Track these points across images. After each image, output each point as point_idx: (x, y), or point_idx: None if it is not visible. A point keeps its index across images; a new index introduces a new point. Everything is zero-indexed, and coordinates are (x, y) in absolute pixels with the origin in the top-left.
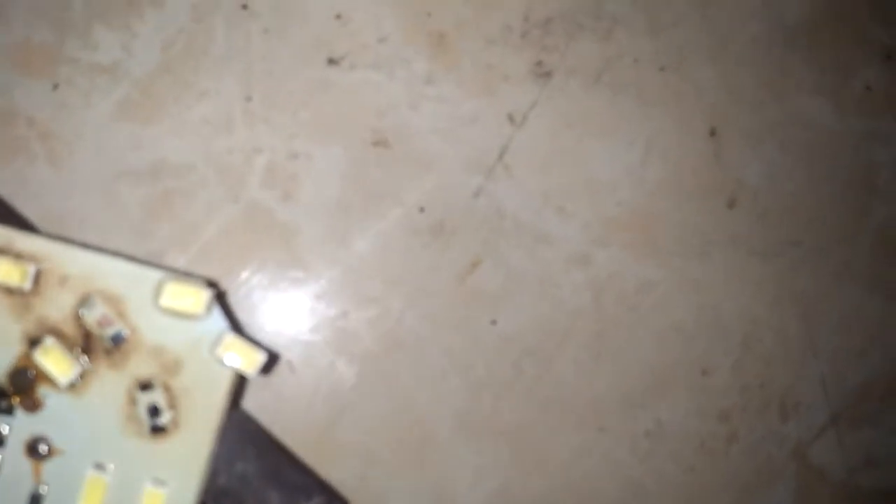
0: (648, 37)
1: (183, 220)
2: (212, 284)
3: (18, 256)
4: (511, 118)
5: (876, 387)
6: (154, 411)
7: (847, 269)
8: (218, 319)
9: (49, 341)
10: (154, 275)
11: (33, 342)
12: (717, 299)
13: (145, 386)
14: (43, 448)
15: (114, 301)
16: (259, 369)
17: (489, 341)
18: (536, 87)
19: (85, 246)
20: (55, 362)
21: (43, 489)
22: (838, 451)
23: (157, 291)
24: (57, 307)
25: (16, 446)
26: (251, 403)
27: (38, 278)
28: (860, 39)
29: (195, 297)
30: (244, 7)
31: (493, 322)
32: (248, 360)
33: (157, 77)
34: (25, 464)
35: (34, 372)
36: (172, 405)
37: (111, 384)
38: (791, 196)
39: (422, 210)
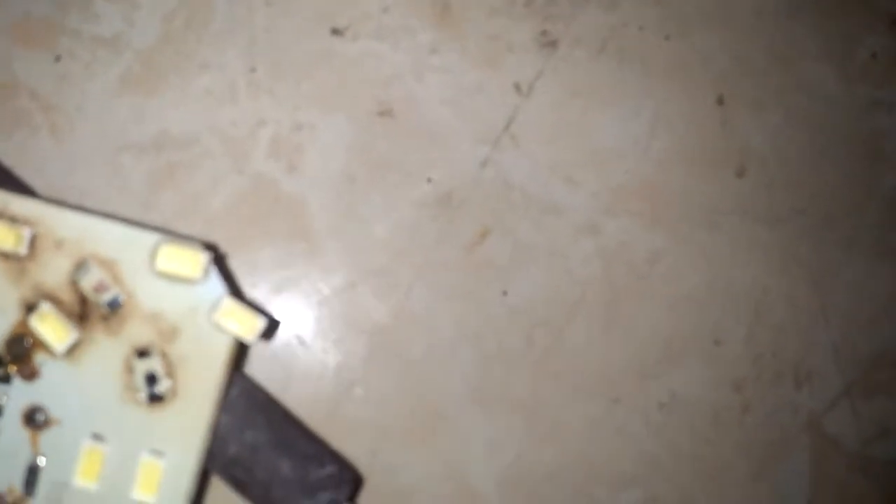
0: (653, 5)
1: (187, 193)
2: (210, 247)
3: (13, 220)
4: (517, 88)
5: (888, 355)
6: (151, 379)
7: (856, 237)
8: (216, 284)
9: (45, 307)
10: (150, 237)
11: (29, 308)
12: (728, 268)
13: (142, 353)
14: (40, 417)
15: (109, 265)
16: (258, 335)
17: (500, 312)
18: (542, 56)
19: (81, 209)
20: (51, 329)
21: (41, 460)
22: (852, 420)
23: (153, 255)
24: (53, 272)
25: (13, 416)
26: (260, 377)
27: (33, 242)
28: (866, 6)
29: (192, 261)
30: None
31: (504, 293)
32: (247, 326)
33: (159, 49)
34: (23, 433)
35: (31, 340)
36: (170, 373)
37: (108, 351)
38: (798, 164)
39: (429, 181)
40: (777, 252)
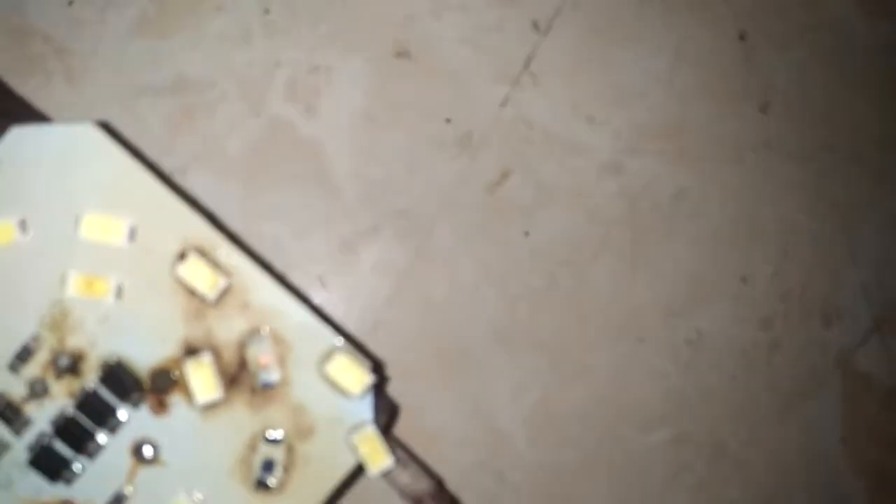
0: None
1: (205, 136)
2: (377, 368)
3: (216, 265)
4: (535, 26)
5: None
6: (269, 466)
7: (883, 173)
8: (366, 408)
9: (206, 357)
10: (332, 339)
11: (190, 351)
12: (754, 205)
13: (272, 439)
14: (148, 453)
15: (281, 345)
16: (382, 472)
17: (523, 253)
18: None
19: (281, 281)
20: (202, 379)
21: (129, 490)
22: (884, 357)
23: (327, 356)
24: (227, 328)
25: (125, 440)
26: None
27: (224, 293)
28: None
29: (357, 377)
30: None
31: (526, 234)
32: (376, 459)
33: None
34: (126, 460)
35: (177, 377)
36: (288, 468)
37: (242, 423)
38: (823, 100)
39: (448, 121)
40: (804, 189)
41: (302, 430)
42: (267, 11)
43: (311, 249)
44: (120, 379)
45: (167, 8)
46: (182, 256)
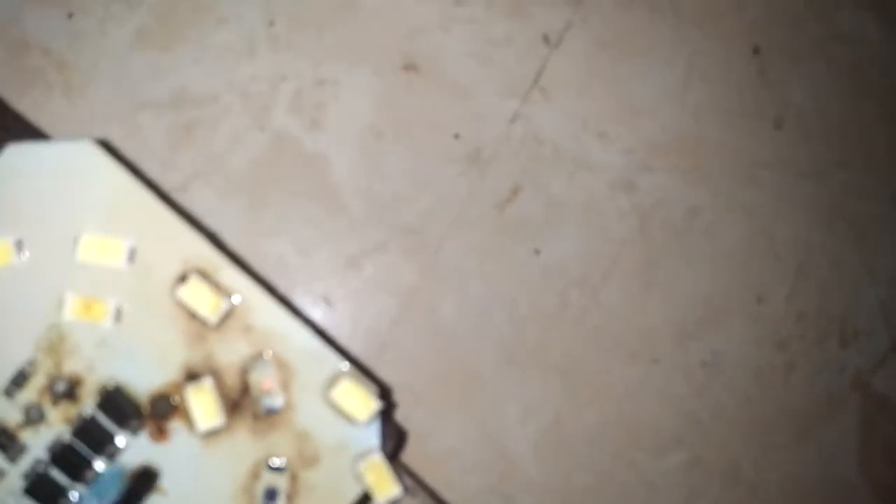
0: None
1: (207, 151)
2: (384, 393)
3: (218, 287)
4: (546, 39)
5: None
6: (271, 495)
7: None
8: (373, 435)
9: (207, 382)
10: (338, 363)
11: (191, 376)
12: (769, 224)
13: (275, 467)
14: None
15: (285, 370)
16: (388, 503)
17: (533, 272)
18: (570, 6)
19: (285, 302)
20: (203, 405)
21: None
22: None
23: (332, 381)
24: (229, 352)
25: (123, 466)
26: None
27: (225, 316)
28: None
29: (364, 404)
30: None
31: (536, 252)
32: (383, 488)
33: (175, 3)
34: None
35: (177, 402)
36: (291, 497)
37: (244, 449)
38: (839, 115)
39: (456, 137)
40: (819, 207)
41: (306, 458)
42: (272, 24)
43: (317, 267)
44: (118, 405)
45: (169, 20)
46: (183, 278)
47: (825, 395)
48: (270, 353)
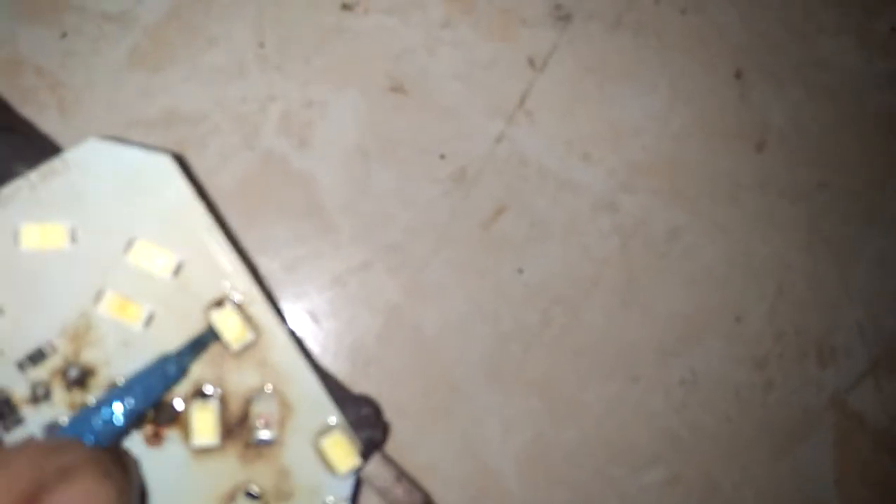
0: None
1: (197, 170)
2: (374, 444)
3: (248, 318)
4: (531, 62)
5: None
6: None
7: (878, 211)
8: (346, 487)
9: (213, 403)
10: (333, 416)
11: (199, 392)
12: (749, 244)
13: (253, 495)
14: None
15: (285, 409)
16: None
17: (516, 290)
18: (556, 30)
19: (302, 348)
20: (203, 422)
21: None
22: (878, 398)
23: (324, 430)
24: (240, 380)
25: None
26: None
27: (247, 347)
28: None
29: (345, 457)
30: None
31: (520, 270)
32: None
33: (167, 24)
34: None
35: (179, 412)
36: None
37: (228, 471)
38: (819, 138)
39: (442, 157)
40: (799, 227)
41: (281, 493)
42: (261, 45)
43: (303, 284)
44: None
45: (161, 41)
46: (219, 303)
47: (802, 413)
48: (278, 390)
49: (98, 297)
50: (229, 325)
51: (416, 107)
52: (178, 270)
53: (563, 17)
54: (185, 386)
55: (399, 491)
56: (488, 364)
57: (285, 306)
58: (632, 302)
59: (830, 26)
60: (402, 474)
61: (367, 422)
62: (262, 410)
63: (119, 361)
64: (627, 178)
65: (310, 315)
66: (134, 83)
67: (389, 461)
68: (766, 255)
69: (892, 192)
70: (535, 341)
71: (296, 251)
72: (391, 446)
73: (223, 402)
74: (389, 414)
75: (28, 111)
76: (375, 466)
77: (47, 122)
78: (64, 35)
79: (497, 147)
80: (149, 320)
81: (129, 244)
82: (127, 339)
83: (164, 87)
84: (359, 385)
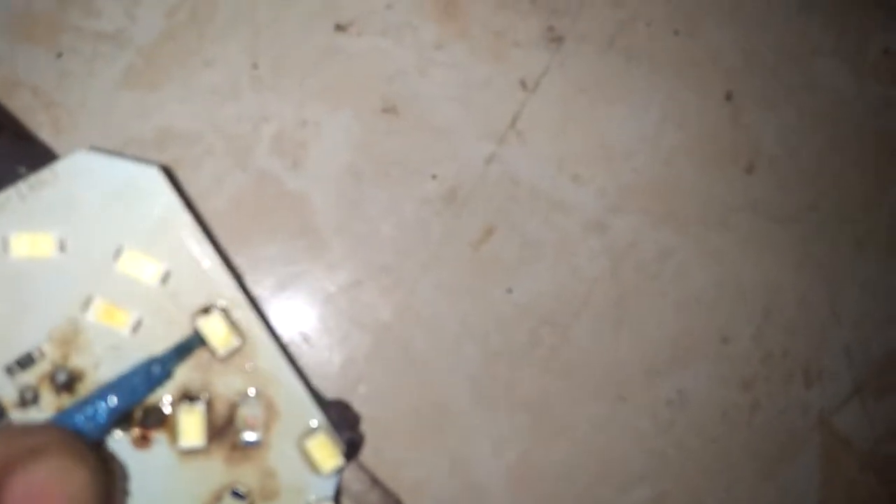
0: (661, 0)
1: (190, 190)
2: (354, 445)
3: (234, 325)
4: (523, 84)
5: None
6: None
7: (868, 235)
8: (329, 487)
9: (200, 406)
10: (317, 417)
11: (186, 396)
12: (738, 266)
13: (239, 494)
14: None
15: (270, 411)
16: None
17: (505, 310)
18: (548, 52)
19: (287, 353)
20: (190, 424)
21: None
22: (864, 420)
23: (308, 432)
24: (227, 384)
25: None
26: None
27: (233, 352)
28: (877, 3)
29: (329, 457)
30: None
31: (509, 290)
32: None
33: (162, 44)
34: None
35: (167, 415)
36: None
37: (214, 473)
38: (809, 161)
39: (434, 177)
40: (788, 250)
41: (267, 493)
42: (256, 66)
43: (294, 304)
44: None
45: (155, 61)
46: (206, 310)
47: (788, 434)
48: (263, 393)
49: (86, 303)
50: (215, 331)
51: (409, 127)
52: (165, 278)
53: (555, 39)
54: (172, 390)
55: (373, 497)
56: (477, 383)
57: (277, 326)
58: (621, 322)
59: (823, 49)
60: (375, 481)
61: (346, 424)
62: (248, 413)
63: (107, 366)
64: (618, 200)
65: (301, 335)
66: (128, 103)
67: (363, 468)
68: (755, 277)
69: (883, 215)
70: (523, 361)
71: (287, 270)
72: (380, 464)
73: (210, 405)
74: (379, 432)
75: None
76: (350, 473)
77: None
78: (59, 55)
79: (488, 168)
80: (137, 326)
81: (117, 253)
82: (115, 344)
83: (158, 107)
84: (349, 402)
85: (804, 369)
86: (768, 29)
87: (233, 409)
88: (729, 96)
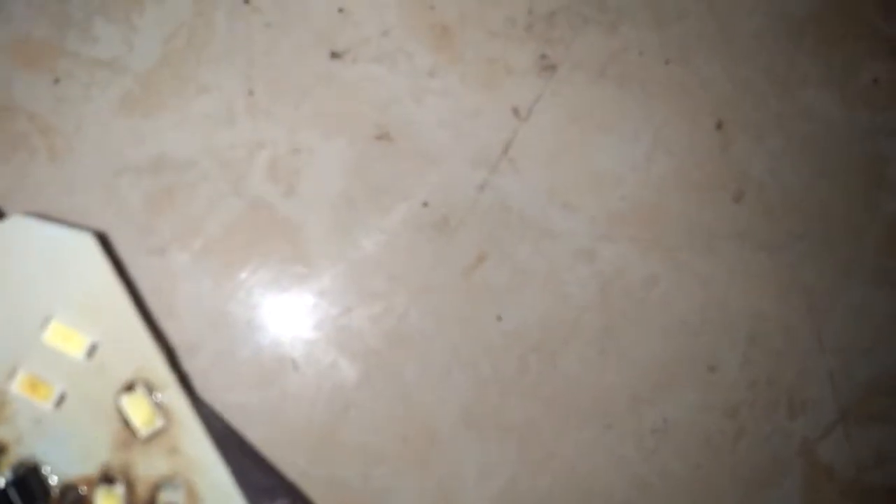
0: (654, 29)
1: (185, 216)
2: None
3: (159, 404)
4: (516, 112)
5: (884, 382)
6: None
7: (854, 263)
8: None
9: (118, 489)
10: None
11: (106, 477)
12: (724, 294)
13: None
14: None
15: (192, 498)
16: None
17: (494, 337)
18: (541, 80)
19: (219, 438)
20: None
21: None
22: (846, 448)
23: None
24: (148, 466)
25: None
26: (253, 401)
27: (155, 434)
28: (867, 32)
29: None
30: (246, 1)
31: (499, 318)
32: None
33: (158, 71)
34: None
35: (84, 494)
36: None
37: None
38: (797, 190)
39: (426, 205)
40: (774, 278)
41: None
42: (251, 93)
43: (285, 330)
44: (30, 485)
45: (152, 87)
46: (130, 387)
47: (772, 461)
48: (186, 480)
49: (11, 374)
50: (138, 410)
51: (402, 154)
52: (91, 352)
53: (548, 67)
54: (91, 469)
55: None
56: (466, 410)
57: (266, 352)
58: (608, 350)
59: (813, 78)
60: None
61: None
62: (169, 499)
63: (30, 439)
64: (607, 227)
65: (291, 361)
66: (124, 129)
67: None
68: (741, 304)
69: (868, 244)
70: (512, 388)
71: (279, 296)
72: (367, 491)
73: (130, 487)
74: (366, 459)
75: (19, 156)
76: None
77: (38, 166)
78: (56, 81)
79: (480, 195)
80: (60, 401)
81: (45, 321)
82: (39, 419)
83: (153, 134)
84: (338, 431)
85: (789, 396)
86: (758, 58)
87: (154, 492)
88: (719, 125)
